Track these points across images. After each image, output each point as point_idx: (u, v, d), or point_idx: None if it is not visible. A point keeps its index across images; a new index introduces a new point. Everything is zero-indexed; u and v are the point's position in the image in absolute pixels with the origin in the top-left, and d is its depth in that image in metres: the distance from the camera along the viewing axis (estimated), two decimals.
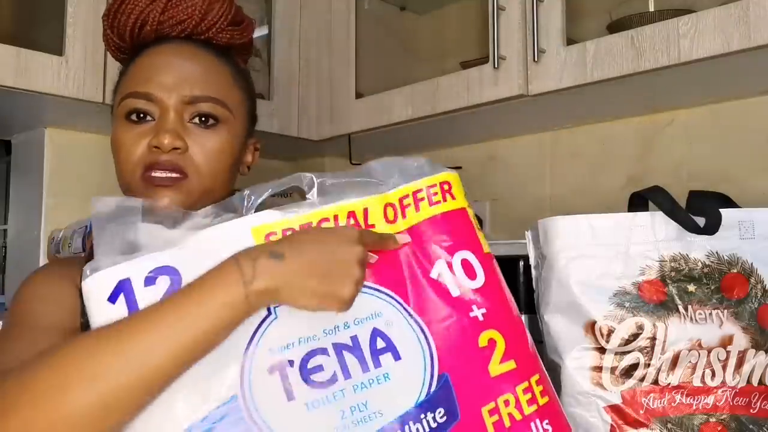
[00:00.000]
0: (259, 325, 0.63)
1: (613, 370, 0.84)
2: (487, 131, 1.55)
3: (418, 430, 0.64)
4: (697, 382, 0.83)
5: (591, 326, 0.84)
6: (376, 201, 0.71)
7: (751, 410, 0.84)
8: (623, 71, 1.09)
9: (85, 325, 0.74)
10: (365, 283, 0.67)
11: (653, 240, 0.85)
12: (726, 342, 0.83)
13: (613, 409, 0.84)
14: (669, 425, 0.83)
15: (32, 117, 1.43)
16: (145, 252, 0.63)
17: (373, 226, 0.70)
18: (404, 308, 0.67)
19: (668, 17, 1.07)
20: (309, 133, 1.58)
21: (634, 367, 0.83)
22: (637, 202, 0.92)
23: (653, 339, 0.83)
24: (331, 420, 0.62)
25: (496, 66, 1.22)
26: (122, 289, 0.61)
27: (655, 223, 0.86)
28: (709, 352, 0.83)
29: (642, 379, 0.83)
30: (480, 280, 0.72)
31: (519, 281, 1.25)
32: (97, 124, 1.47)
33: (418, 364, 0.66)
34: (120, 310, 0.61)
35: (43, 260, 1.47)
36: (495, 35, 1.22)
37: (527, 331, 0.76)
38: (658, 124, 1.36)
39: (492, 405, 0.67)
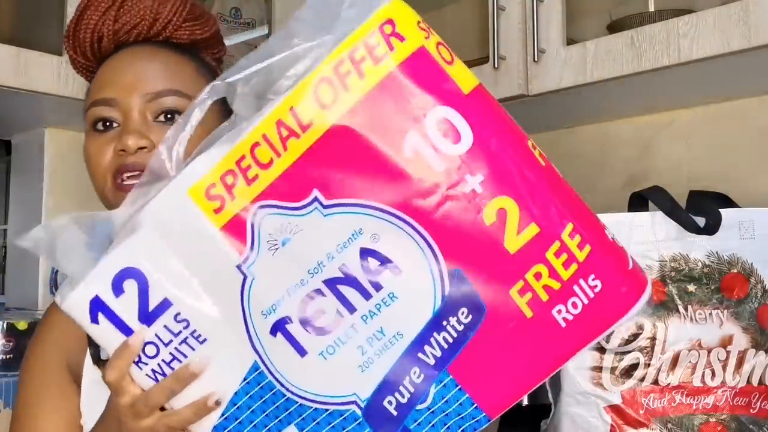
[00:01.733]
0: (242, 293, 0.59)
1: (613, 370, 0.84)
2: None
3: (445, 338, 0.57)
4: (697, 382, 0.83)
5: None
6: (303, 87, 0.55)
7: (751, 410, 0.84)
8: (623, 71, 1.09)
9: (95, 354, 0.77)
10: (331, 202, 0.56)
11: (653, 240, 0.85)
12: (726, 342, 0.83)
13: (613, 409, 0.84)
14: (669, 425, 0.83)
15: (32, 117, 1.43)
16: (96, 262, 0.60)
17: (308, 125, 0.55)
18: (385, 212, 0.56)
19: (668, 17, 1.07)
20: None
21: (634, 367, 0.83)
22: (637, 202, 0.92)
23: (653, 339, 0.83)
24: (351, 360, 0.58)
25: (496, 66, 1.22)
26: (98, 307, 0.59)
27: (655, 223, 0.86)
28: (709, 352, 0.83)
29: (642, 379, 0.83)
30: (467, 138, 0.56)
31: None
32: None
33: (422, 269, 0.57)
34: (107, 329, 0.60)
35: (43, 260, 1.47)
36: (495, 35, 1.22)
37: (546, 170, 0.61)
38: (658, 124, 1.36)
39: (521, 284, 0.57)
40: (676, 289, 0.84)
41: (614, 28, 1.20)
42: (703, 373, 0.83)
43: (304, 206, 0.57)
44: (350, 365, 0.58)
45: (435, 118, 0.56)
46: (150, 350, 0.60)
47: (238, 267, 0.58)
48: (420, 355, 0.58)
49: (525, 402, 1.21)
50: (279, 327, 0.58)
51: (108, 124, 0.78)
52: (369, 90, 0.55)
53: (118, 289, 0.59)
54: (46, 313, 0.89)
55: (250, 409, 0.61)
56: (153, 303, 0.59)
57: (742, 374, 0.84)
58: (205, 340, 0.60)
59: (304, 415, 0.60)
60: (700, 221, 0.85)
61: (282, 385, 0.59)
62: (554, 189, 0.61)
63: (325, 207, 0.57)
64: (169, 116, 0.77)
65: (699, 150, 1.31)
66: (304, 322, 0.58)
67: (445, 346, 0.57)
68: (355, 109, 0.55)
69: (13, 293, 1.57)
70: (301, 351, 0.58)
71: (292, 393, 0.59)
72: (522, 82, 1.20)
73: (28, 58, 1.20)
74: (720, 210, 0.86)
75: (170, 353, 0.60)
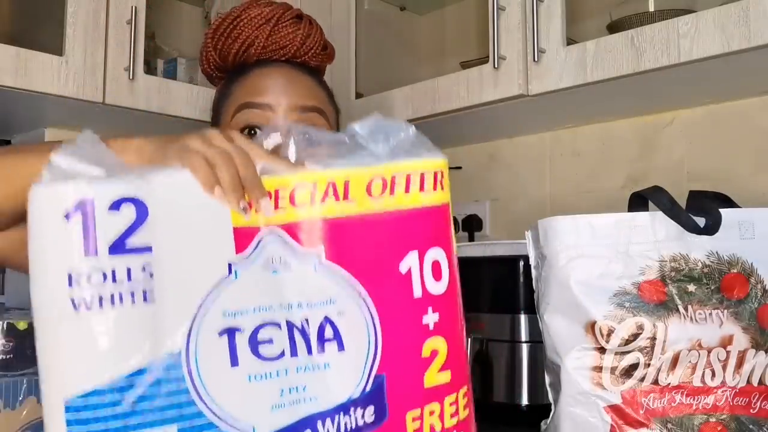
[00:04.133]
0: (217, 285, 0.60)
1: (613, 370, 0.84)
2: (487, 131, 1.55)
3: (346, 424, 0.63)
4: (697, 382, 0.83)
5: (591, 326, 0.84)
6: (362, 173, 0.65)
7: (751, 410, 0.84)
8: (623, 71, 1.10)
9: None
10: (328, 263, 0.63)
11: (653, 240, 0.85)
12: (726, 342, 0.83)
13: (613, 409, 0.84)
14: (669, 425, 0.83)
15: (32, 117, 1.43)
16: (112, 177, 0.58)
17: (352, 200, 0.64)
18: (362, 298, 0.64)
19: (668, 17, 1.07)
20: None
21: (634, 367, 0.83)
22: (637, 202, 0.92)
23: (653, 339, 0.83)
24: (270, 396, 0.61)
25: (496, 66, 1.22)
26: (82, 209, 0.55)
27: (655, 223, 0.86)
28: (709, 352, 0.83)
29: (642, 379, 0.83)
30: (444, 284, 0.68)
31: (519, 281, 1.25)
32: (97, 124, 1.47)
33: (360, 360, 0.64)
34: (72, 232, 0.55)
35: None
36: (495, 35, 1.22)
37: (465, 339, 0.74)
38: (658, 124, 1.36)
39: (418, 412, 0.66)
40: (676, 289, 0.84)
41: (614, 28, 1.20)
42: (703, 373, 0.83)
43: (306, 255, 0.63)
44: (266, 400, 0.61)
45: (433, 255, 0.67)
46: (96, 278, 0.55)
47: (230, 263, 0.61)
48: (319, 424, 0.63)
49: (525, 402, 1.21)
50: (230, 331, 0.60)
51: (253, 132, 0.87)
52: (409, 206, 0.66)
53: (115, 206, 0.56)
54: None
55: (144, 392, 0.57)
56: (134, 242, 0.57)
57: (742, 374, 0.84)
58: (152, 301, 0.57)
59: (194, 424, 0.59)
60: (700, 221, 0.85)
61: (194, 386, 0.59)
62: (467, 354, 0.75)
63: (320, 264, 0.63)
64: None
65: (699, 150, 1.31)
66: (253, 341, 0.61)
67: (342, 430, 0.64)
68: (390, 212, 0.66)
69: (13, 293, 1.57)
70: (234, 362, 0.60)
71: (199, 397, 0.59)
72: (522, 82, 1.21)
73: (28, 58, 1.20)
74: (720, 210, 0.86)
75: (111, 293, 0.56)
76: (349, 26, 1.55)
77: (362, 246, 0.65)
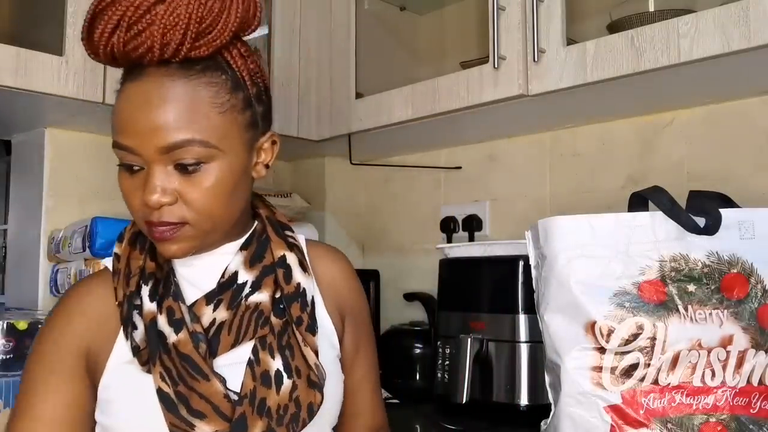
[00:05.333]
0: None
1: (613, 370, 0.84)
2: (487, 131, 1.55)
3: None
4: (697, 382, 0.83)
5: (591, 326, 0.84)
6: None
7: (751, 410, 0.84)
8: (623, 71, 1.09)
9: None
10: None
11: (653, 240, 0.85)
12: (726, 342, 0.83)
13: (613, 409, 0.84)
14: (669, 425, 0.83)
15: (32, 117, 1.43)
16: None
17: None
18: None
19: (668, 17, 1.07)
20: (309, 133, 1.58)
21: (634, 367, 0.83)
22: (637, 202, 0.92)
23: (653, 339, 0.83)
24: None
25: (496, 66, 1.22)
26: None
27: (655, 223, 0.86)
28: (709, 352, 0.83)
29: (642, 379, 0.83)
30: None
31: (519, 281, 1.25)
32: (97, 124, 1.47)
33: None
34: None
35: (43, 260, 1.47)
36: (495, 35, 1.22)
37: None
38: (658, 124, 1.36)
39: None
40: (676, 289, 0.84)
41: (614, 28, 1.20)
42: (703, 373, 0.83)
43: None
44: None
45: None
46: None
47: None
48: None
49: (525, 402, 1.21)
50: None
51: (134, 165, 0.79)
52: None
53: None
54: (63, 302, 0.88)
55: None
56: None
57: (742, 374, 0.84)
58: None
59: None
60: (700, 221, 0.85)
61: None
62: None
63: None
64: (184, 167, 0.78)
65: (699, 150, 1.31)
66: None
67: None
68: None
69: (13, 293, 1.57)
70: None
71: None
72: (522, 82, 1.20)
73: (28, 58, 1.20)
74: (720, 210, 0.86)
75: None
76: (349, 26, 1.55)
77: None
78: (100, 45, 0.78)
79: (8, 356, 1.14)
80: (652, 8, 1.24)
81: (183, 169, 0.78)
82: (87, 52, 0.82)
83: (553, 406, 0.90)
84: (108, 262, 0.90)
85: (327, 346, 0.89)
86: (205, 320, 0.82)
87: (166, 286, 0.84)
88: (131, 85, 0.79)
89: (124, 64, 0.81)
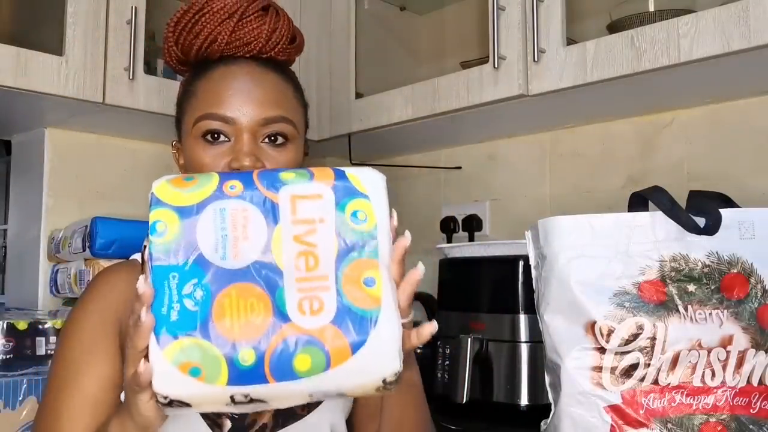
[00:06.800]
0: None
1: (613, 370, 0.84)
2: (487, 131, 1.55)
3: None
4: (697, 382, 0.83)
5: (591, 326, 0.84)
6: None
7: (751, 410, 0.84)
8: (623, 71, 1.10)
9: None
10: None
11: (653, 240, 0.85)
12: (726, 342, 0.83)
13: (613, 409, 0.84)
14: (669, 425, 0.83)
15: (32, 117, 1.43)
16: None
17: None
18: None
19: (668, 17, 1.07)
20: (309, 133, 1.58)
21: (634, 367, 0.83)
22: (637, 202, 0.92)
23: (653, 339, 0.83)
24: None
25: (496, 66, 1.22)
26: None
27: (655, 223, 0.86)
28: (709, 352, 0.83)
29: (642, 379, 0.83)
30: None
31: (519, 281, 1.25)
32: (97, 124, 1.47)
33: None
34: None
35: (43, 260, 1.47)
36: (495, 35, 1.22)
37: None
38: (658, 124, 1.36)
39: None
40: (676, 289, 0.84)
41: (614, 28, 1.20)
42: (703, 373, 0.83)
43: None
44: None
45: None
46: None
47: None
48: None
49: (525, 402, 1.21)
50: None
51: (217, 136, 0.85)
52: None
53: None
54: (94, 283, 0.90)
55: None
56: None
57: (742, 374, 0.84)
58: None
59: None
60: (700, 221, 0.85)
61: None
62: None
63: None
64: (273, 139, 0.87)
65: (699, 150, 1.31)
66: None
67: None
68: None
69: (13, 293, 1.57)
70: None
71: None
72: (522, 82, 1.21)
73: (28, 58, 1.20)
74: (720, 210, 0.86)
75: None
76: (349, 26, 1.55)
77: None
78: (205, 31, 0.88)
79: (8, 356, 1.14)
80: (652, 8, 1.24)
81: (272, 142, 0.86)
82: (175, 40, 0.91)
83: (553, 406, 0.90)
84: (137, 256, 0.94)
85: None
86: None
87: None
88: (227, 68, 0.88)
89: (213, 55, 0.89)
